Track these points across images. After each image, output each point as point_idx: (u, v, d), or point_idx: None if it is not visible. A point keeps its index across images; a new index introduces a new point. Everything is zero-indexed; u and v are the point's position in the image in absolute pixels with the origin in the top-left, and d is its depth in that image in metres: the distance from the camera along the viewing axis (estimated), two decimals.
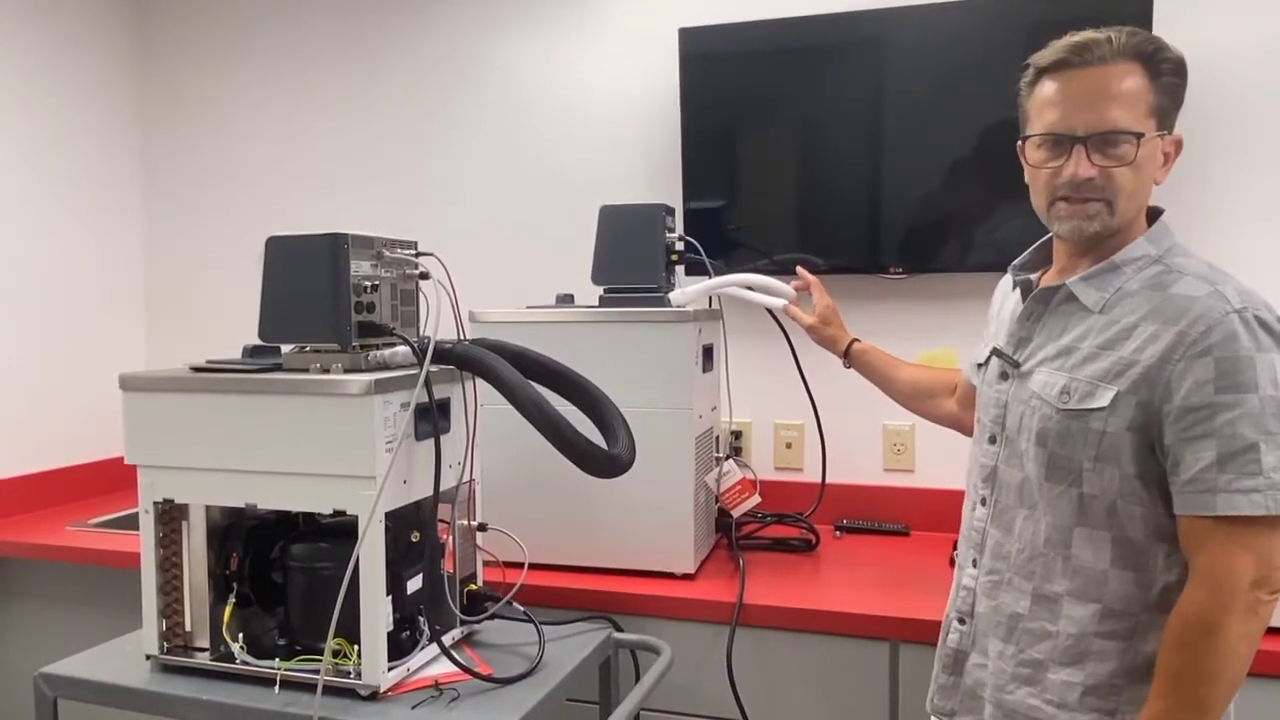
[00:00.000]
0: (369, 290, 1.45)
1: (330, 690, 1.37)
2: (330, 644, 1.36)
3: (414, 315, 1.58)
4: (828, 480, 2.18)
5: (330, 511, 1.44)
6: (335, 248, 1.41)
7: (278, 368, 1.46)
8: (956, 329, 2.20)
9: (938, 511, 2.20)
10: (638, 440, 1.54)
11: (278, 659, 1.43)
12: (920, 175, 2.16)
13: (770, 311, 1.97)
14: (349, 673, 1.40)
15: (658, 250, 1.96)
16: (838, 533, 2.24)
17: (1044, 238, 1.34)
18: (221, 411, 1.44)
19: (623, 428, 1.54)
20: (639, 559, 1.90)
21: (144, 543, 1.49)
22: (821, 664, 1.72)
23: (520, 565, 1.71)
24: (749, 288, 1.95)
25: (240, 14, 2.85)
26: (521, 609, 1.63)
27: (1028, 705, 1.22)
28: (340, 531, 1.45)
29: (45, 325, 2.65)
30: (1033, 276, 1.34)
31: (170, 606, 1.50)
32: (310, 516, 1.53)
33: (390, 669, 1.40)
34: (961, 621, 1.33)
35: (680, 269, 2.12)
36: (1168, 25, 1.94)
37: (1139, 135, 1.16)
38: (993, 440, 1.31)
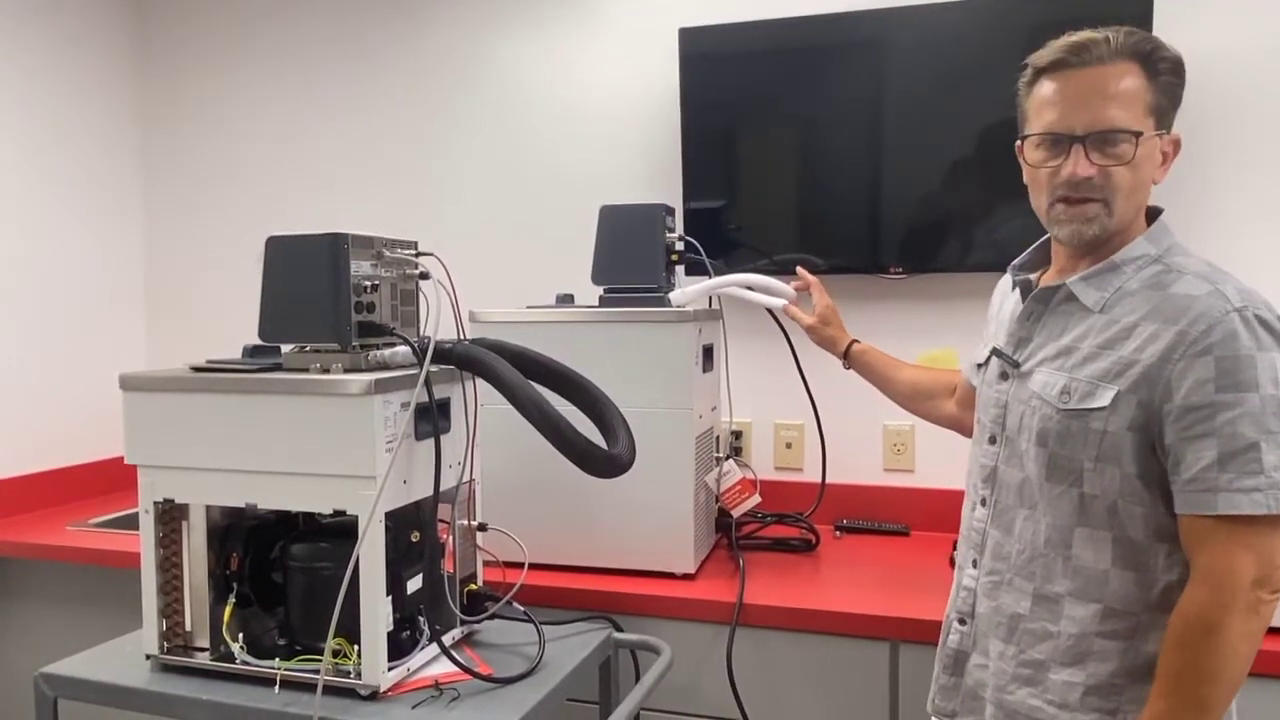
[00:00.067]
0: (369, 290, 1.45)
1: (330, 690, 1.37)
2: (330, 644, 1.36)
3: (414, 315, 1.58)
4: (828, 480, 2.18)
5: (330, 511, 1.44)
6: (335, 248, 1.41)
7: (278, 368, 1.46)
8: (956, 329, 2.20)
9: (938, 511, 2.20)
10: (638, 440, 1.54)
11: (278, 659, 1.43)
12: (920, 175, 2.16)
13: (770, 311, 1.97)
14: (349, 673, 1.40)
15: (658, 250, 1.96)
16: (838, 533, 2.24)
17: (1043, 238, 1.34)
18: (221, 411, 1.44)
19: (623, 428, 1.54)
20: (639, 559, 1.90)
21: (144, 543, 1.49)
22: (821, 664, 1.72)
23: (520, 565, 1.71)
24: (749, 288, 1.95)
25: (240, 14, 2.85)
26: (521, 609, 1.63)
27: (1029, 706, 1.22)
28: (340, 531, 1.45)
29: (45, 325, 2.65)
30: (1032, 276, 1.34)
31: (170, 606, 1.50)
32: (310, 516, 1.53)
33: (390, 669, 1.40)
34: (962, 622, 1.33)
35: (680, 269, 2.12)
36: (1167, 25, 1.94)
37: (1137, 134, 1.16)
38: (993, 440, 1.31)
